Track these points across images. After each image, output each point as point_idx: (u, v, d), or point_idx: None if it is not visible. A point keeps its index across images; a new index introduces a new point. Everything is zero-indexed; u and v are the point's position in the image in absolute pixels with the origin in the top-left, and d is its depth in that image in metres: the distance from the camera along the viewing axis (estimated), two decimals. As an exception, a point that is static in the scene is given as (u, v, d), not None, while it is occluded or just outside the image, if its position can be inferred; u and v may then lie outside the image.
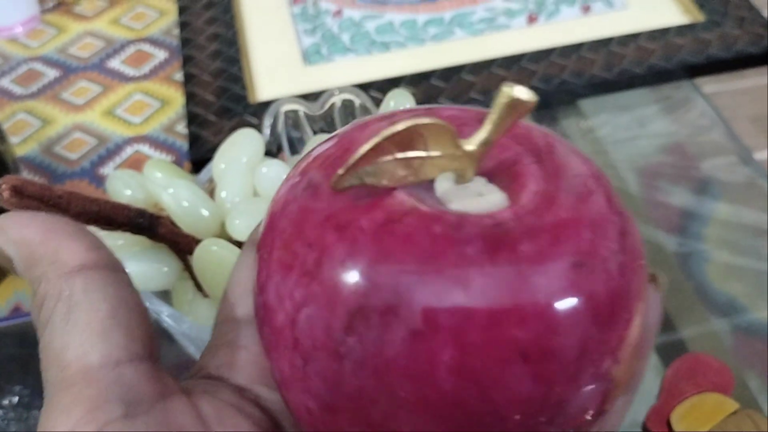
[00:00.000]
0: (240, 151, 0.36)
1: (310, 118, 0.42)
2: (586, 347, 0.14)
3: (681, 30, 0.55)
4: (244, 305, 0.19)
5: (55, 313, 0.17)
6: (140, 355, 0.17)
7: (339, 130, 0.18)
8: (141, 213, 0.32)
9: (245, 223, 0.33)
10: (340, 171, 0.15)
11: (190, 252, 0.33)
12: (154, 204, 0.35)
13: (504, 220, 0.15)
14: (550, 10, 0.58)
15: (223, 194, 0.35)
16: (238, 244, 0.33)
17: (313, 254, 0.15)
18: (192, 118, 0.51)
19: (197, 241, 0.32)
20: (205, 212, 0.33)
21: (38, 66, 0.59)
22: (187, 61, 0.56)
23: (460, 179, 0.16)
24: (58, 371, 0.16)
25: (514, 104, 0.15)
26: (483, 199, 0.16)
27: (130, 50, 0.60)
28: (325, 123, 0.41)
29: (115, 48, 0.60)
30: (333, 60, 0.56)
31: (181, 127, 0.53)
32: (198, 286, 0.34)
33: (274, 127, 0.40)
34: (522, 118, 0.16)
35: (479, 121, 0.16)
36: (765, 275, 0.44)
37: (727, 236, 0.47)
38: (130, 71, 0.58)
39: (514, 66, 0.53)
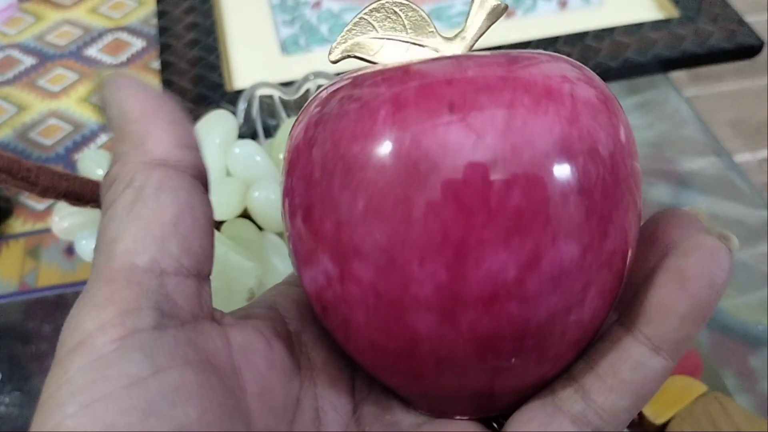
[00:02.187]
0: (213, 132, 0.36)
1: (285, 104, 0.42)
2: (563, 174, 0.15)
3: (656, 25, 0.56)
4: None
5: (121, 200, 0.16)
6: (189, 270, 0.16)
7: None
8: (111, 189, 0.32)
9: (217, 202, 0.33)
10: (334, 44, 0.17)
11: (161, 230, 0.32)
12: (125, 184, 0.35)
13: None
14: (527, 5, 0.59)
15: (195, 174, 0.35)
16: (210, 224, 0.33)
17: (323, 109, 0.17)
18: (168, 105, 0.51)
19: (167, 219, 0.32)
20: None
21: (15, 53, 0.59)
22: (164, 49, 0.56)
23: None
24: (105, 260, 0.16)
25: (488, 7, 0.17)
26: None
27: (108, 39, 0.60)
28: (299, 108, 0.42)
29: (92, 36, 0.60)
30: (311, 50, 0.56)
31: (158, 115, 0.52)
32: (168, 265, 0.34)
33: (248, 112, 0.40)
34: (496, 20, 0.18)
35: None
36: (742, 274, 0.45)
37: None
38: (107, 59, 0.58)
39: (491, 58, 0.54)
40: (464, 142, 0.14)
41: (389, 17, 0.17)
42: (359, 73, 0.17)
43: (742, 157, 1.11)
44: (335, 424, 0.18)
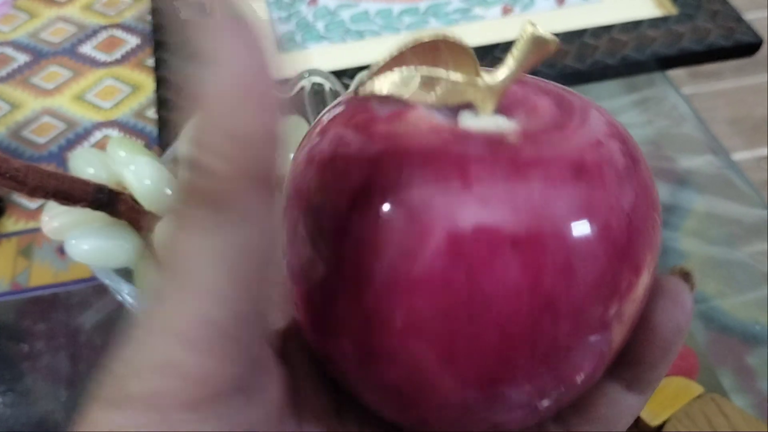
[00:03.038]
0: (205, 131, 0.36)
1: (279, 101, 0.41)
2: (580, 249, 0.14)
3: (654, 22, 0.55)
4: None
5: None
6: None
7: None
8: (100, 188, 0.32)
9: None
10: (365, 77, 0.15)
11: (152, 230, 0.32)
12: (117, 183, 0.34)
13: (510, 133, 0.15)
14: (525, 1, 0.58)
15: (187, 173, 0.34)
16: (201, 223, 0.32)
17: (330, 147, 0.16)
18: (162, 103, 0.51)
19: (159, 219, 0.32)
20: (167, 190, 0.33)
21: (8, 50, 0.58)
22: (158, 46, 0.55)
23: (480, 112, 0.16)
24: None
25: (536, 42, 0.16)
26: (499, 127, 0.16)
27: (102, 36, 0.59)
28: (295, 107, 0.41)
29: (87, 34, 0.59)
30: (307, 47, 0.55)
31: (152, 113, 0.52)
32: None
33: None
34: (543, 58, 0.16)
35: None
36: (740, 272, 0.44)
37: (705, 231, 0.47)
38: (101, 56, 0.57)
39: (488, 56, 0.53)
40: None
41: (430, 53, 0.16)
42: (368, 106, 0.16)
43: (741, 155, 1.10)
44: None
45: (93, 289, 0.43)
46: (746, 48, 0.54)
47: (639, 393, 0.17)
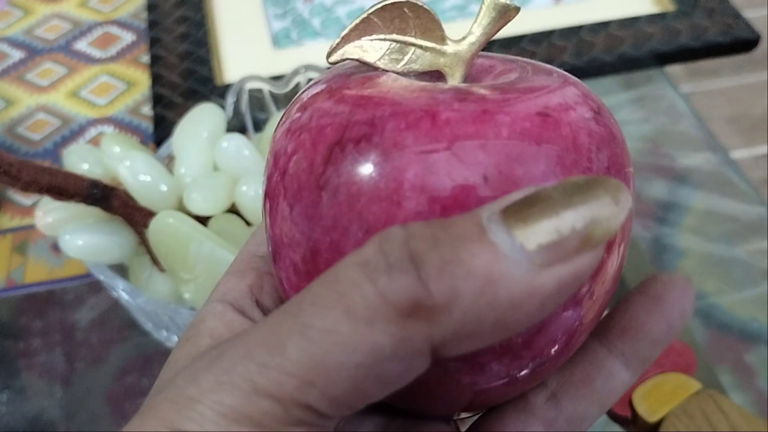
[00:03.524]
0: (200, 126, 0.35)
1: (275, 98, 0.41)
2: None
3: (652, 19, 0.55)
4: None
5: None
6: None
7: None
8: (94, 184, 0.31)
9: (203, 197, 0.32)
10: (333, 43, 0.16)
11: (146, 226, 0.32)
12: (112, 179, 0.34)
13: (478, 87, 0.16)
14: (522, -2, 0.58)
15: (182, 170, 0.34)
16: (197, 219, 0.32)
17: (306, 114, 0.16)
18: (157, 100, 0.51)
19: (153, 215, 0.32)
20: (162, 186, 0.33)
21: (3, 47, 0.58)
22: (154, 42, 0.55)
23: (449, 78, 0.17)
24: None
25: (499, 8, 0.16)
26: None
27: (98, 32, 0.59)
28: (290, 102, 0.41)
29: (82, 30, 0.59)
30: (303, 44, 0.55)
31: (147, 109, 0.52)
32: (154, 261, 0.33)
33: (237, 105, 0.40)
34: (506, 24, 0.17)
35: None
36: (739, 270, 0.44)
37: (703, 229, 0.47)
38: (96, 53, 0.57)
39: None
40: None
41: (397, 18, 0.16)
42: (343, 77, 0.16)
43: (739, 153, 1.10)
44: None
45: (88, 285, 0.43)
46: (744, 44, 0.54)
47: (633, 371, 0.18)
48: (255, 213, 0.33)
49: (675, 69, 1.19)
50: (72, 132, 0.51)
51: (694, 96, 1.18)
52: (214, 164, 0.35)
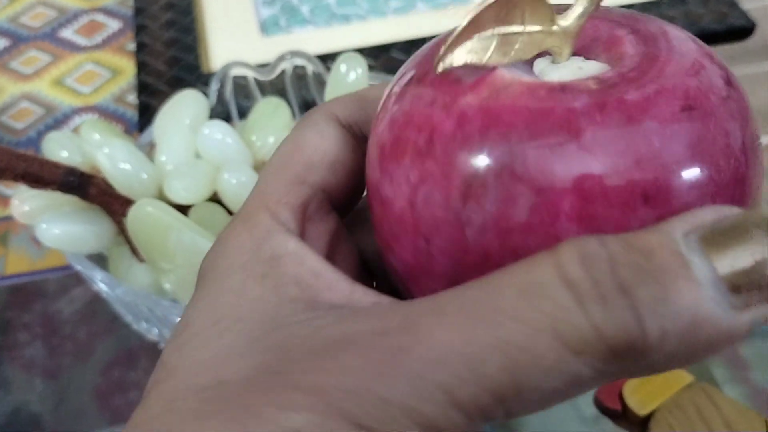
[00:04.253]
0: (182, 113, 0.35)
1: (260, 85, 0.40)
2: (701, 184, 0.14)
3: (646, 7, 0.54)
4: (316, 173, 0.18)
5: None
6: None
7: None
8: (71, 171, 0.31)
9: (184, 185, 0.31)
10: (441, 51, 0.14)
11: (125, 215, 0.31)
12: (91, 167, 0.33)
13: (607, 77, 0.15)
14: (515, -14, 0.57)
15: (163, 157, 0.33)
16: (178, 207, 0.31)
17: (423, 135, 0.15)
18: (143, 88, 0.50)
19: (132, 204, 0.31)
20: (142, 174, 0.32)
21: (-13, 35, 0.57)
22: (140, 30, 0.54)
23: (557, 58, 0.16)
24: None
25: None
26: (582, 69, 0.15)
27: (83, 20, 0.58)
28: (276, 90, 0.40)
29: (67, 18, 0.58)
30: (291, 32, 0.54)
31: (132, 98, 0.51)
32: (133, 250, 0.32)
33: (221, 93, 0.39)
34: None
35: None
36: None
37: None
38: (81, 41, 0.56)
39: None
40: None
41: (503, 10, 0.15)
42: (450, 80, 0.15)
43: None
44: None
45: (70, 277, 0.42)
46: (739, 32, 0.53)
47: None
48: (237, 202, 0.32)
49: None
50: (56, 121, 0.50)
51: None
52: (196, 152, 0.34)
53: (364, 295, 0.15)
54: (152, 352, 0.39)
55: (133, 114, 0.50)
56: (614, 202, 0.13)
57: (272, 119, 0.35)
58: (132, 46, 0.54)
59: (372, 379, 0.13)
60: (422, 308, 0.14)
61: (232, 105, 0.39)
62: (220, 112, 0.39)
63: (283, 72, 0.40)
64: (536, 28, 0.15)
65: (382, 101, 0.17)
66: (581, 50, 0.16)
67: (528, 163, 0.14)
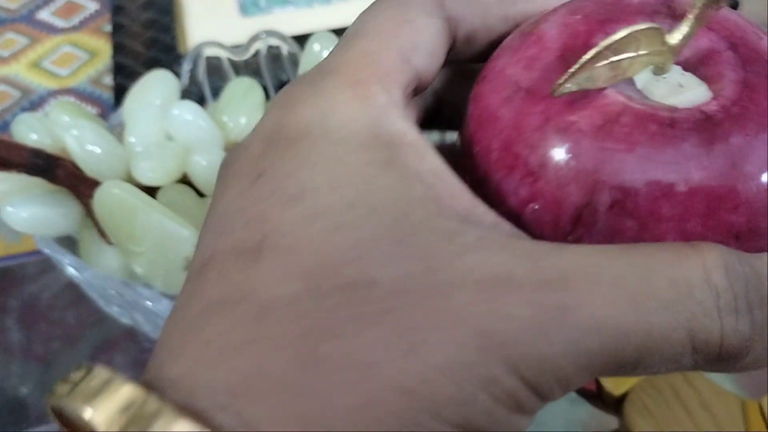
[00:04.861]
0: (152, 93, 0.34)
1: (234, 66, 0.40)
2: None
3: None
4: (419, 57, 0.17)
5: None
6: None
7: (528, 25, 0.18)
8: (37, 153, 0.30)
9: (151, 166, 0.31)
10: (561, 80, 0.15)
11: (93, 197, 0.31)
12: (61, 149, 0.33)
13: (712, 113, 0.16)
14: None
15: (132, 138, 0.33)
16: (147, 190, 0.31)
17: (536, 156, 0.16)
18: (119, 69, 0.49)
19: (99, 185, 0.31)
20: (111, 156, 0.31)
21: (-37, 17, 0.56)
22: (117, 10, 0.53)
23: (659, 70, 0.17)
24: None
25: (715, 2, 0.16)
26: (686, 92, 0.17)
27: (60, 1, 0.57)
28: (251, 71, 0.40)
29: (45, -1, 0.57)
30: (271, 12, 0.54)
31: (109, 80, 0.50)
32: (101, 233, 0.32)
33: (194, 73, 0.38)
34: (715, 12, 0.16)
35: (668, 7, 0.17)
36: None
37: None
38: (59, 23, 0.55)
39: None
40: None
41: (624, 44, 0.16)
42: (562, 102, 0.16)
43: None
44: None
45: (45, 261, 0.42)
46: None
47: None
48: (208, 184, 0.32)
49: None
50: (32, 104, 0.50)
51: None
52: (167, 134, 0.33)
53: (486, 213, 0.15)
54: (131, 336, 0.39)
55: (109, 96, 0.49)
56: (707, 220, 0.15)
57: (244, 100, 0.34)
58: (109, 27, 0.54)
59: (537, 333, 0.13)
60: (577, 267, 0.14)
61: (206, 86, 0.39)
62: (193, 93, 0.38)
63: (257, 52, 0.39)
64: (647, 50, 0.16)
65: (487, 98, 0.17)
66: (680, 59, 0.17)
67: (639, 202, 0.15)
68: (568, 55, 0.16)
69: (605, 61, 0.16)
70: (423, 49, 0.17)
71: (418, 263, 0.14)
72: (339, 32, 0.49)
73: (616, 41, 0.15)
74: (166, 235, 0.29)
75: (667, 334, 0.14)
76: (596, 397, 0.33)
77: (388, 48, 0.16)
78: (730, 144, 0.15)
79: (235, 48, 0.39)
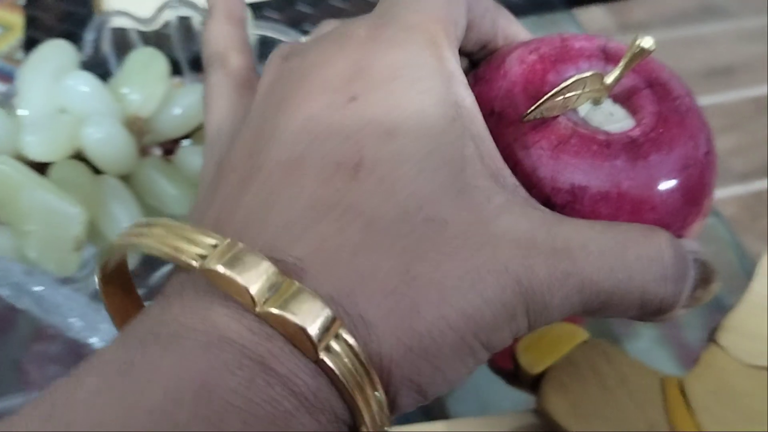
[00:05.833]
0: (47, 64, 0.32)
1: (143, 37, 0.38)
2: (685, 215, 0.22)
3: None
4: (463, 19, 0.22)
5: None
6: None
7: (495, 58, 0.23)
8: None
9: (39, 139, 0.29)
10: (529, 111, 0.21)
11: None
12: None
13: (636, 137, 0.21)
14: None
15: (24, 111, 0.31)
16: (39, 166, 0.29)
17: (509, 165, 0.20)
18: (31, 44, 0.47)
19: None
20: (-2, 130, 0.29)
21: None
22: (31, -17, 0.51)
23: (596, 102, 0.22)
24: None
25: (642, 52, 0.21)
26: (616, 120, 0.22)
27: (-26, -26, 0.54)
28: (162, 43, 0.38)
29: (-43, -28, 0.55)
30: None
31: (21, 54, 0.48)
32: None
33: (99, 45, 0.36)
34: (640, 60, 0.21)
35: (602, 51, 0.23)
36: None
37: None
38: (-29, -4, 0.53)
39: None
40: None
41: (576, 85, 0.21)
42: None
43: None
44: None
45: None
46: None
47: None
48: (103, 158, 0.30)
49: (605, 22, 1.18)
50: (-62, 81, 0.47)
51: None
52: (62, 107, 0.31)
53: (509, 176, 0.19)
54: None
55: (21, 72, 0.47)
56: (632, 216, 0.21)
57: (145, 71, 0.32)
58: (23, 0, 0.51)
59: (548, 288, 0.18)
60: (575, 238, 0.18)
61: (112, 58, 0.37)
62: (98, 66, 0.36)
63: (167, 24, 0.37)
64: (590, 89, 0.21)
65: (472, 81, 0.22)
66: (613, 97, 0.23)
67: (584, 203, 0.21)
68: (529, 88, 0.21)
69: (561, 97, 0.21)
70: (461, 30, 0.21)
71: (472, 214, 0.18)
72: (259, 6, 0.48)
73: (570, 83, 0.21)
74: (53, 213, 0.27)
75: (626, 295, 0.19)
76: (513, 375, 0.32)
77: (449, 17, 0.20)
78: (649, 161, 0.21)
79: (144, 19, 0.37)
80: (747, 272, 0.36)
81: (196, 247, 0.16)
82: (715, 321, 0.32)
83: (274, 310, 0.15)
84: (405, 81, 0.18)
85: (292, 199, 0.17)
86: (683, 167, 0.21)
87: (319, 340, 0.15)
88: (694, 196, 0.22)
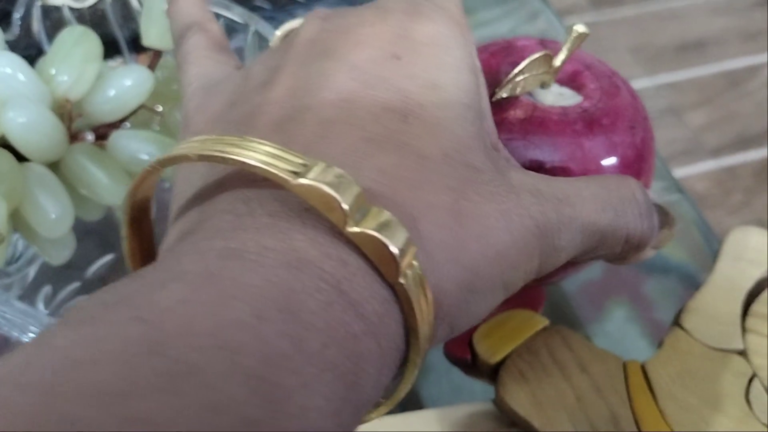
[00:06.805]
0: (-33, 45, 0.30)
1: (80, 17, 0.36)
2: (638, 170, 0.27)
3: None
4: None
5: None
6: None
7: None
8: None
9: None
10: (498, 89, 0.26)
11: None
12: None
13: (587, 107, 0.26)
14: None
15: (-58, 96, 0.29)
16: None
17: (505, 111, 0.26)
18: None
19: None
20: None
21: None
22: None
23: (545, 86, 0.27)
24: None
25: (580, 36, 0.26)
26: (567, 98, 0.27)
27: None
28: (96, 20, 0.36)
29: None
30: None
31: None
32: None
33: (28, 24, 0.34)
34: (580, 45, 0.26)
35: (542, 45, 0.28)
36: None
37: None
38: None
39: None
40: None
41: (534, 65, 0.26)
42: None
43: (641, 83, 1.08)
44: None
45: None
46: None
47: None
48: (28, 145, 0.28)
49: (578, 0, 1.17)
50: None
51: (598, 26, 1.15)
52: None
53: (503, 148, 0.23)
54: None
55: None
56: (598, 173, 0.26)
57: (75, 50, 0.30)
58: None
59: (557, 231, 0.20)
60: (572, 189, 0.21)
61: (43, 38, 0.35)
62: (29, 47, 0.34)
63: (103, 0, 0.35)
64: (540, 70, 0.26)
65: None
66: (560, 81, 0.28)
67: (555, 164, 0.26)
68: (488, 78, 0.24)
69: (521, 77, 0.25)
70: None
71: (495, 166, 0.20)
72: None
73: (526, 64, 0.25)
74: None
75: (616, 231, 0.22)
76: (471, 365, 0.31)
77: (462, 5, 0.23)
78: (603, 125, 0.26)
79: (78, -4, 0.35)
80: (713, 250, 0.35)
81: (284, 163, 0.16)
82: (685, 298, 0.31)
83: (370, 231, 0.16)
84: (441, 48, 0.21)
85: (346, 133, 0.18)
86: (630, 127, 0.26)
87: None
88: (642, 152, 0.26)
